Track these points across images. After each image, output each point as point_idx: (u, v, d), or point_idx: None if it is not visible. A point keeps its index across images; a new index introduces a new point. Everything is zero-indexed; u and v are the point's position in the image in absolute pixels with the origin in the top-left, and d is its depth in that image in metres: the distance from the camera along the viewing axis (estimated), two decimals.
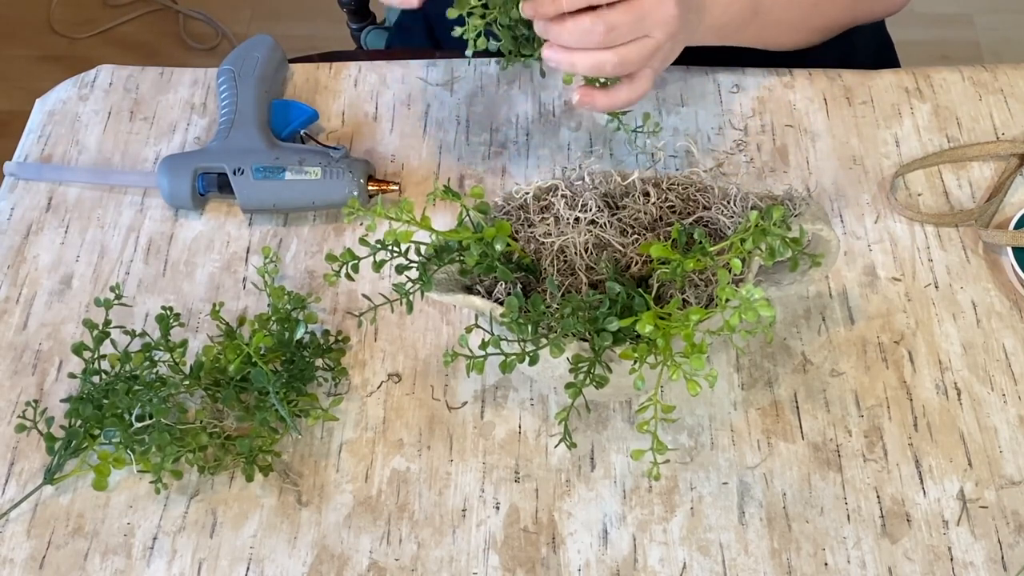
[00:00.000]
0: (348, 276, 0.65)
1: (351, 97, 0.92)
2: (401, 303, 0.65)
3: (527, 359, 0.63)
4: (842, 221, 0.82)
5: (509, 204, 0.70)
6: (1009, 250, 0.78)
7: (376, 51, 1.30)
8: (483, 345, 0.64)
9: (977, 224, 0.81)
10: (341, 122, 0.90)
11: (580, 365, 0.62)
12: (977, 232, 0.81)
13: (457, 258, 0.65)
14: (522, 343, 0.63)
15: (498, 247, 0.64)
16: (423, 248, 0.66)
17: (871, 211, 0.82)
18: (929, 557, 0.67)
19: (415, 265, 0.65)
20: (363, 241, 0.66)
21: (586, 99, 0.75)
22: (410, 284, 0.65)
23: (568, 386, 0.62)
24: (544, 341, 0.62)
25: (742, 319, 0.59)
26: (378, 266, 0.65)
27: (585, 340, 0.63)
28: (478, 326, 0.67)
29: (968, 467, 0.70)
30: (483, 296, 0.66)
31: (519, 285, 0.65)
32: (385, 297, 0.69)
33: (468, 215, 0.67)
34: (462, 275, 0.67)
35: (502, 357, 0.63)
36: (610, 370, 0.63)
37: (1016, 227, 0.79)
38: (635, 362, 0.61)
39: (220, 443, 0.69)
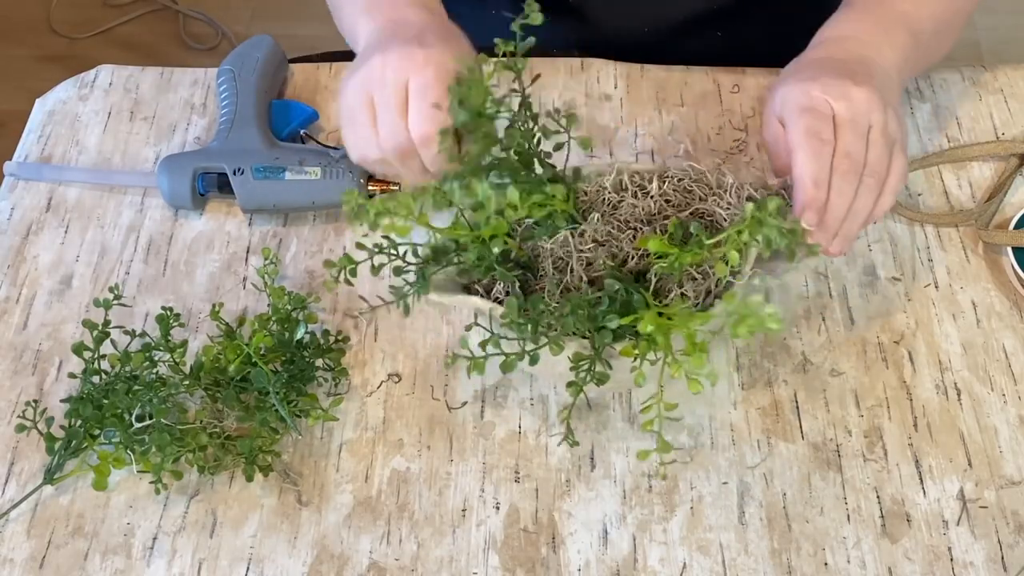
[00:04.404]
0: (347, 281, 0.65)
1: None
2: (398, 306, 0.65)
3: (527, 358, 0.63)
4: None
5: None
6: (1009, 250, 0.78)
7: None
8: (483, 344, 0.64)
9: (977, 224, 0.81)
10: None
11: (581, 363, 0.62)
12: (977, 232, 0.80)
13: (455, 260, 0.65)
14: (522, 342, 0.63)
15: (495, 250, 0.63)
16: (420, 250, 0.66)
17: None
18: (929, 557, 0.67)
19: (412, 268, 0.65)
20: (360, 245, 0.66)
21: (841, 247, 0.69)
22: (407, 287, 0.65)
23: (569, 384, 0.62)
24: (544, 340, 0.62)
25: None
26: (376, 270, 0.64)
27: (585, 337, 0.63)
28: (477, 324, 0.67)
29: (968, 467, 0.70)
30: (482, 295, 0.66)
31: (517, 283, 0.65)
32: (382, 299, 0.69)
33: (463, 215, 0.66)
34: (460, 275, 0.67)
35: (502, 357, 0.63)
36: (610, 367, 0.63)
37: (1016, 227, 0.79)
38: (635, 359, 0.61)
39: (220, 443, 0.69)
